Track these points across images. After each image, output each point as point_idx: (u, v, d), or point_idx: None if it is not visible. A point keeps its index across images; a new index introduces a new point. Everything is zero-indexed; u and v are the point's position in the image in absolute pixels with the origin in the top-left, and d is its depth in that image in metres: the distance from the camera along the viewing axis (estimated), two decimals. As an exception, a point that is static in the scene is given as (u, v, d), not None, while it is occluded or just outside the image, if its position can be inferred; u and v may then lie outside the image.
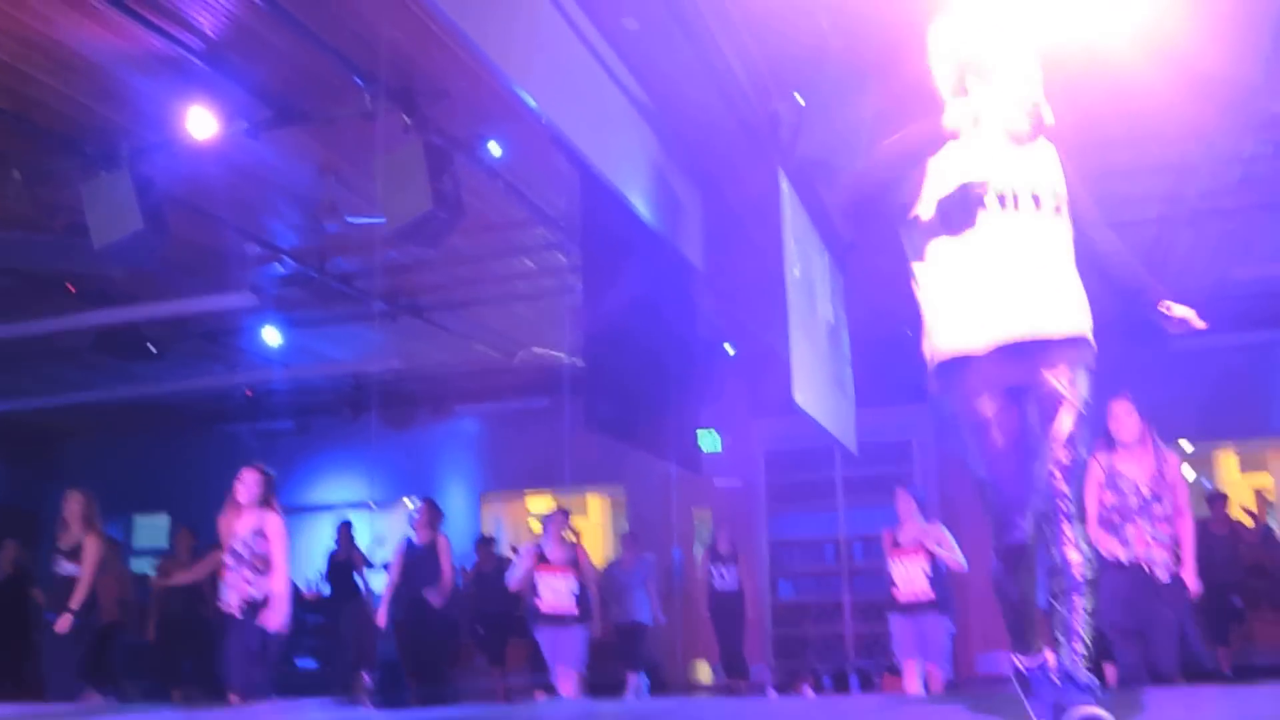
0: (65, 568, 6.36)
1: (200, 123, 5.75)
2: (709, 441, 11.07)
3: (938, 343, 2.84)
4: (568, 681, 7.16)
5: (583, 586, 7.23)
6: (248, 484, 5.91)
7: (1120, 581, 4.85)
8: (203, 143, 5.91)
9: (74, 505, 6.48)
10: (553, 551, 7.25)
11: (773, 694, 9.34)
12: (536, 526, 14.14)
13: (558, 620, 7.16)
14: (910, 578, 6.60)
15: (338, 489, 12.96)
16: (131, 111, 5.77)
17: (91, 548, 6.35)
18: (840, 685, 9.94)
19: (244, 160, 6.38)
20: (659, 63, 5.59)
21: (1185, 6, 5.28)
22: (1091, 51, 5.06)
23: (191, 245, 7.27)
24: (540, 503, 13.91)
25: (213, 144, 5.94)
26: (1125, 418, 4.98)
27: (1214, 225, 7.91)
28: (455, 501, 11.79)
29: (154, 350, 9.61)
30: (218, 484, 6.21)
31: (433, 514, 7.66)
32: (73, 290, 8.34)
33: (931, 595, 6.56)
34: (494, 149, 6.33)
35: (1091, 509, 4.99)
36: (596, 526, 13.85)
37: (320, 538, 11.80)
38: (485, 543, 10.56)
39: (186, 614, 9.16)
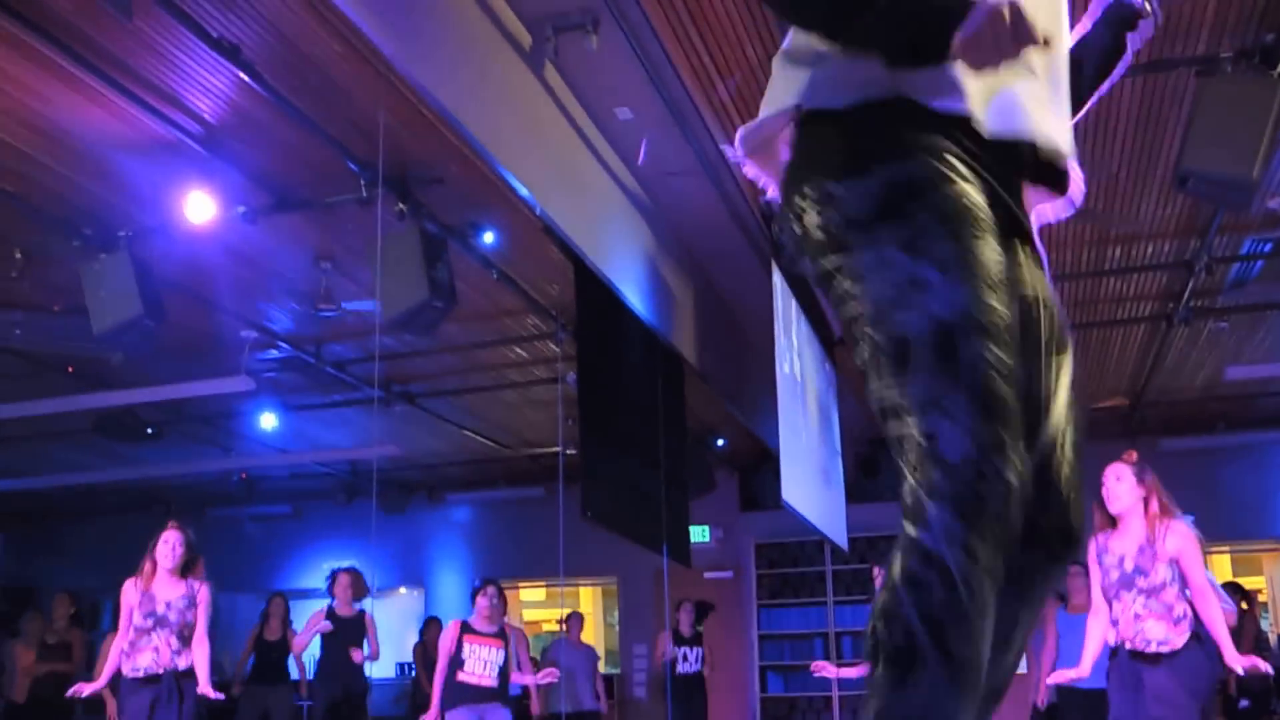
0: None
1: (198, 207, 5.82)
2: (700, 534, 11.06)
3: None
4: None
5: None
6: (173, 546, 5.71)
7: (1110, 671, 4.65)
8: (201, 227, 5.98)
9: None
10: (479, 622, 7.01)
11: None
12: (529, 615, 14.05)
13: (482, 694, 6.73)
14: None
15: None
16: (131, 194, 5.85)
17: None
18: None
19: (241, 245, 6.46)
20: (653, 154, 5.69)
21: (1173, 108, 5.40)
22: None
23: (189, 329, 7.34)
24: (533, 593, 13.83)
25: (210, 228, 6.01)
26: (1114, 485, 4.60)
27: (1208, 325, 7.96)
28: (449, 590, 11.73)
29: (151, 433, 9.67)
30: (213, 565, 6.11)
31: (357, 586, 7.80)
32: (72, 371, 8.41)
33: None
34: (488, 237, 6.41)
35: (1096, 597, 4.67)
36: (588, 617, 13.74)
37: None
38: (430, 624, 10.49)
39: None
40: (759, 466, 11.17)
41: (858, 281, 1.45)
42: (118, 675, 5.70)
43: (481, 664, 6.83)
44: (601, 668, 12.73)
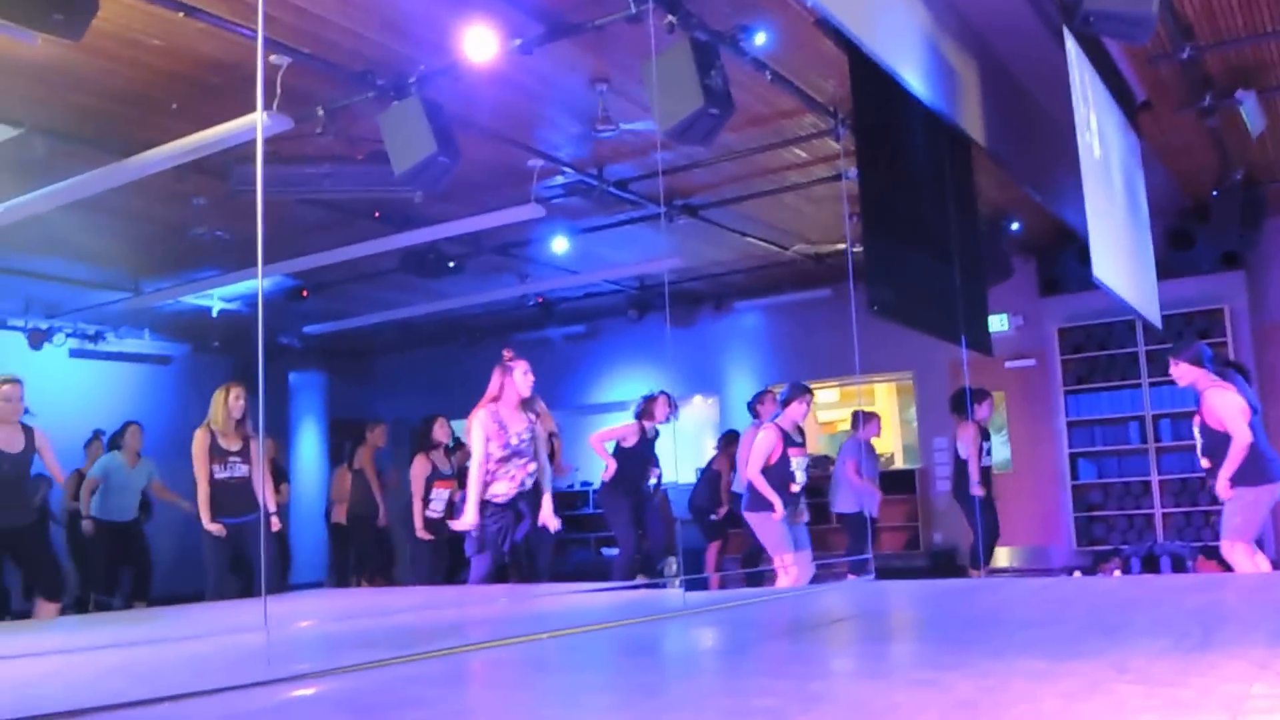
0: None
1: (478, 45, 6.00)
2: (999, 322, 10.78)
3: None
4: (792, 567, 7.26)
5: None
6: (526, 377, 6.23)
7: None
8: (481, 64, 6.17)
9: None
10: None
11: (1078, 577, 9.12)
12: (824, 417, 14.22)
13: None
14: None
15: (628, 387, 13.43)
16: (416, 41, 6.09)
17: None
18: (1150, 569, 9.58)
19: (521, 77, 6.62)
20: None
21: None
22: None
23: (480, 163, 7.64)
24: (827, 393, 13.96)
25: (491, 64, 6.19)
26: None
27: None
28: (744, 394, 11.99)
29: (453, 266, 10.24)
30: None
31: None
32: (378, 216, 8.97)
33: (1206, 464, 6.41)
34: (759, 39, 6.28)
35: None
36: (884, 414, 13.78)
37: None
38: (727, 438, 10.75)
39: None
40: (1058, 248, 10.71)
41: None
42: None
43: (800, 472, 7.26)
44: (900, 464, 12.86)
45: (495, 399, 6.22)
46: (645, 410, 8.66)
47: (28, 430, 6.61)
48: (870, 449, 9.78)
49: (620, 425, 8.88)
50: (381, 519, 10.37)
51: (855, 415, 9.89)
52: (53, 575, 6.79)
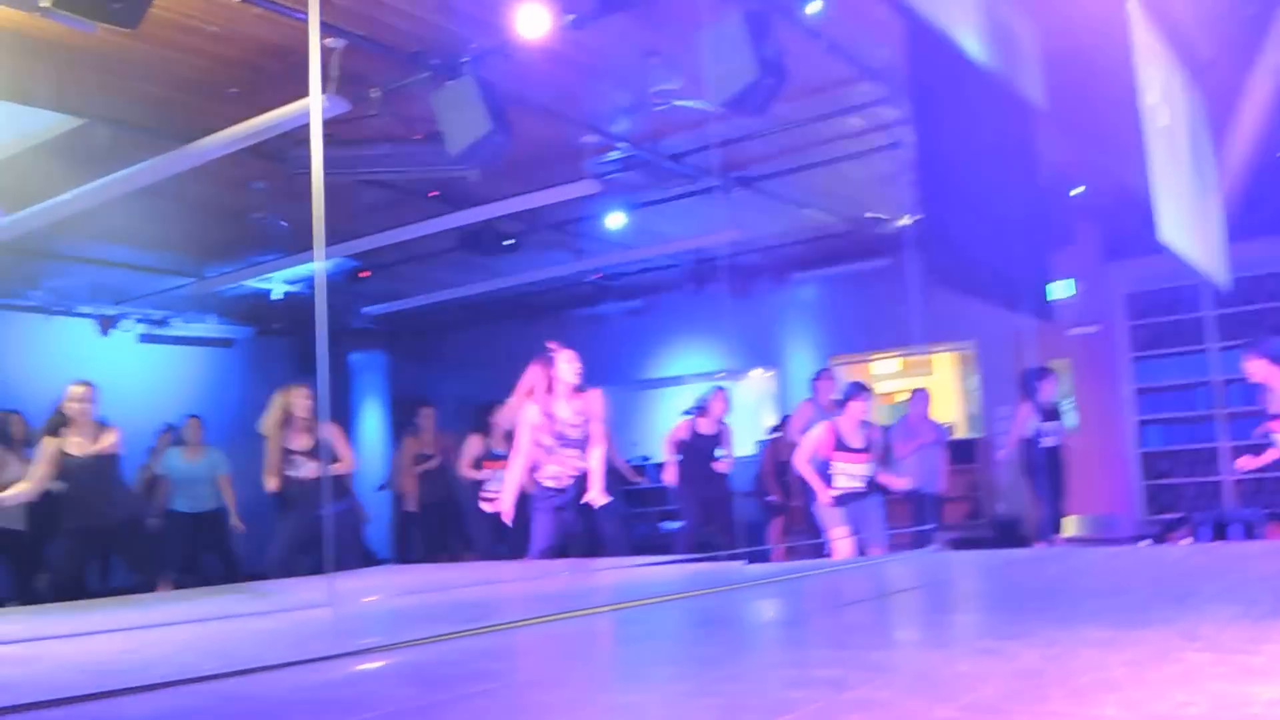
0: None
1: (530, 21, 5.99)
2: (1062, 289, 10.61)
3: None
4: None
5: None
6: (572, 365, 6.18)
7: None
8: (534, 41, 6.16)
9: None
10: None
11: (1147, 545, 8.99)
12: (884, 388, 14.13)
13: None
14: None
15: (687, 362, 13.43)
16: (469, 21, 6.10)
17: None
18: (1219, 536, 9.42)
19: (574, 53, 6.60)
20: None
21: None
22: None
23: (534, 141, 7.64)
24: (887, 364, 13.87)
25: (543, 41, 6.18)
26: None
27: None
28: (803, 367, 11.94)
29: (510, 244, 10.27)
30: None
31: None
32: (434, 195, 9.02)
33: None
34: (811, 7, 6.21)
35: None
36: (945, 385, 13.65)
37: (673, 410, 12.31)
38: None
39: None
40: (1122, 212, 10.47)
41: None
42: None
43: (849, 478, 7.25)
44: (962, 433, 12.73)
45: (545, 391, 6.18)
46: (703, 408, 8.73)
47: (103, 429, 6.79)
48: (928, 424, 9.72)
49: (677, 426, 8.98)
50: (442, 498, 10.47)
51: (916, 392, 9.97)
52: (150, 568, 7.00)
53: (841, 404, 7.45)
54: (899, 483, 8.03)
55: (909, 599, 4.22)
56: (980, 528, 11.34)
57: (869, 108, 7.78)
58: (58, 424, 6.71)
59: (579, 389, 6.25)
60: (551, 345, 6.31)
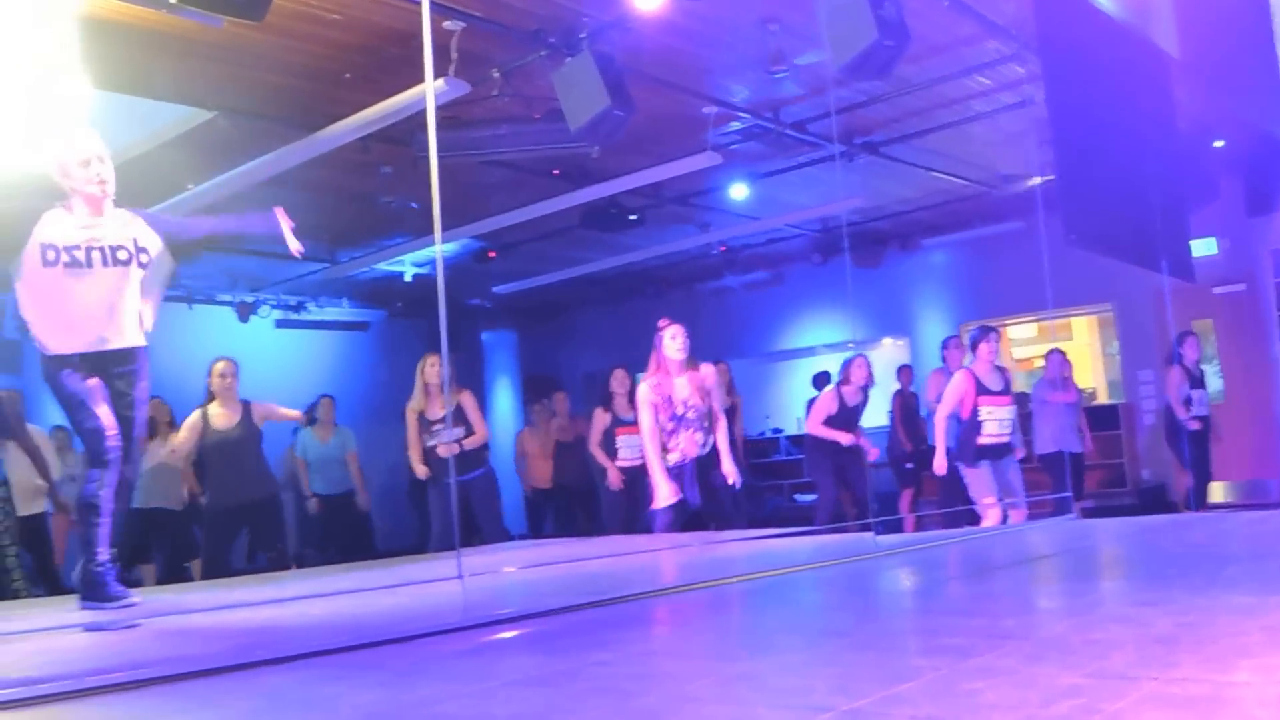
0: None
1: (645, -6, 5.97)
2: (1204, 246, 10.18)
3: None
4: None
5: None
6: (676, 342, 6.13)
7: None
8: (649, 13, 6.14)
9: None
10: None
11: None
12: (1019, 353, 13.80)
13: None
14: None
15: (815, 333, 13.30)
16: (584, -4, 6.13)
17: None
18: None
19: (690, 24, 6.56)
20: None
21: None
22: None
23: (654, 114, 7.63)
24: (1023, 329, 13.52)
25: (659, 13, 6.15)
26: None
27: None
28: (935, 335, 11.71)
29: (634, 219, 10.29)
30: (704, 339, 6.49)
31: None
32: (557, 173, 9.09)
33: None
34: (934, -36, 6.06)
35: None
36: (1084, 349, 13.25)
37: (800, 382, 12.23)
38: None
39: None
40: (1266, 164, 10.01)
41: None
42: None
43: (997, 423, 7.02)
44: (1103, 399, 12.36)
45: (656, 371, 6.19)
46: (844, 377, 8.53)
47: (245, 405, 6.97)
48: (1066, 384, 9.43)
49: (822, 398, 8.75)
50: (577, 477, 10.58)
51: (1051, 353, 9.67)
52: (280, 549, 7.17)
53: (972, 348, 7.22)
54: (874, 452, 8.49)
55: (1045, 566, 4.11)
56: (1122, 495, 11.00)
57: (996, 65, 7.56)
58: (206, 401, 6.94)
59: (693, 365, 6.21)
60: (661, 323, 6.28)
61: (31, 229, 3.88)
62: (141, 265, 4.06)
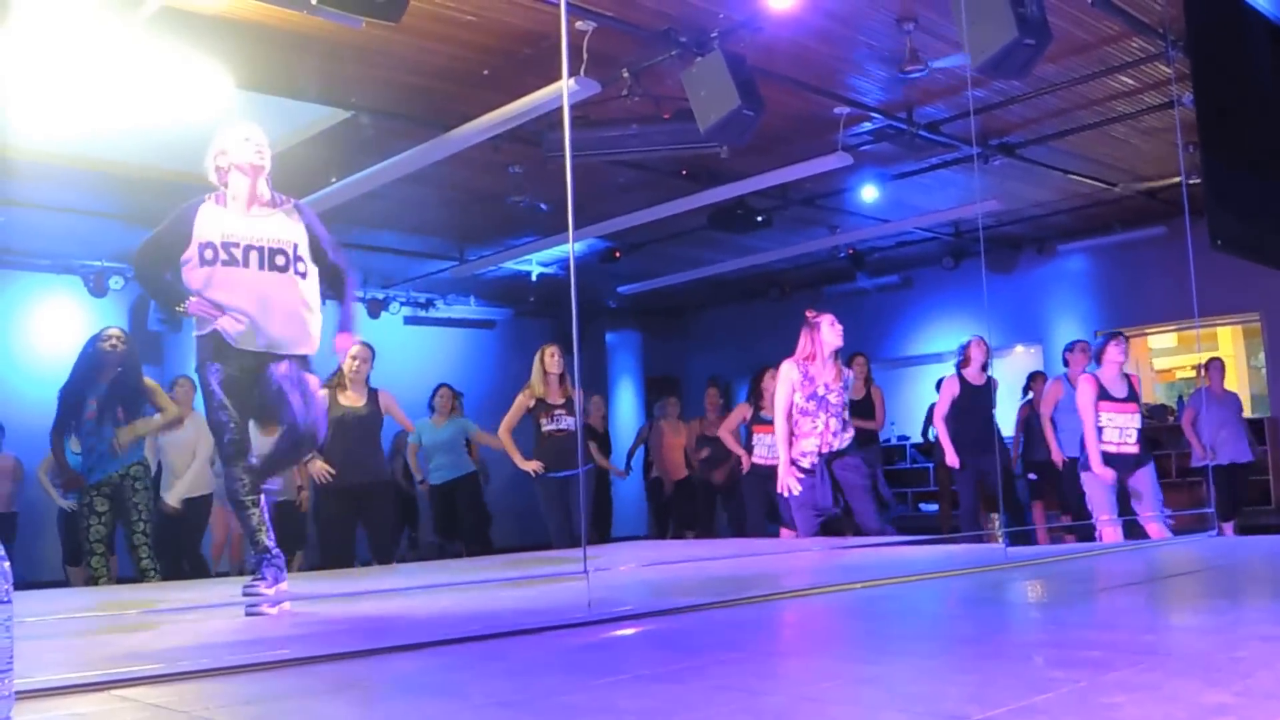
0: None
1: (779, -8, 5.93)
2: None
3: None
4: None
5: None
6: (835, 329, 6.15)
7: None
8: (782, 12, 6.10)
9: None
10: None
11: None
12: (1160, 364, 13.31)
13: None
14: None
15: (946, 339, 13.02)
16: (716, -5, 6.11)
17: None
18: None
19: (823, 22, 6.50)
20: None
21: None
22: None
23: (784, 114, 7.58)
24: (1163, 339, 13.06)
25: (791, 12, 6.11)
26: None
27: None
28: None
29: (761, 220, 10.22)
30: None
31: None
32: (685, 174, 9.09)
33: None
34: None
35: None
36: (1229, 360, 12.73)
37: (927, 388, 11.99)
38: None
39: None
40: None
41: None
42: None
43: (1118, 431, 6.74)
44: (1248, 413, 11.84)
45: (804, 354, 6.19)
46: (964, 358, 8.29)
47: (373, 392, 7.08)
48: (1227, 395, 9.06)
49: (945, 385, 8.45)
50: (694, 474, 10.55)
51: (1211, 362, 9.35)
52: (386, 539, 7.20)
53: (1098, 354, 6.95)
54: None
55: (1188, 583, 3.95)
56: (1270, 514, 10.54)
57: (1141, 64, 7.32)
58: (335, 382, 7.01)
59: (844, 359, 6.22)
60: (810, 313, 6.28)
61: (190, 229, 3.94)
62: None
